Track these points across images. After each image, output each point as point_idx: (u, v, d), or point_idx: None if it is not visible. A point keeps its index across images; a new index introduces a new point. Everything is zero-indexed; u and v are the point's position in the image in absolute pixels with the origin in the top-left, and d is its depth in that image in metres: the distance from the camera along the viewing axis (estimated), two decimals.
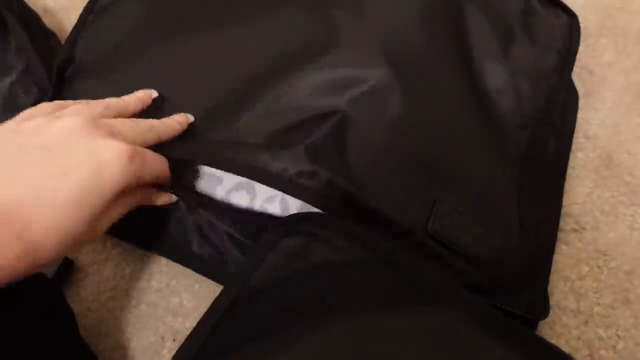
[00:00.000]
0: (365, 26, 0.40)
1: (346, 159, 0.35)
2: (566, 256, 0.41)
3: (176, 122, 0.37)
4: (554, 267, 0.41)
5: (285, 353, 0.28)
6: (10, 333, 0.33)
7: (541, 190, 0.42)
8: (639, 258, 0.41)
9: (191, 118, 0.38)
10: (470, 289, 0.33)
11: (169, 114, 0.38)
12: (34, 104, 0.45)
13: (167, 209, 0.42)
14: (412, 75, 0.38)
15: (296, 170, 0.33)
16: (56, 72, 0.42)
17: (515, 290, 0.35)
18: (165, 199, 0.37)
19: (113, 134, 0.32)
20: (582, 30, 0.50)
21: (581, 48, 0.50)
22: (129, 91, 0.41)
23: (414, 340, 0.28)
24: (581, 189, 0.44)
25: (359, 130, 0.36)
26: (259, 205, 0.35)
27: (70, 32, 0.45)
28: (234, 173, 0.34)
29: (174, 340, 0.40)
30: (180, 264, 0.43)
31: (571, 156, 0.46)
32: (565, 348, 0.38)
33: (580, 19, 0.49)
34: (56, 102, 0.35)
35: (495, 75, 0.42)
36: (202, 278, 0.43)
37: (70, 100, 0.36)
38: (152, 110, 0.39)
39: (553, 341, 0.38)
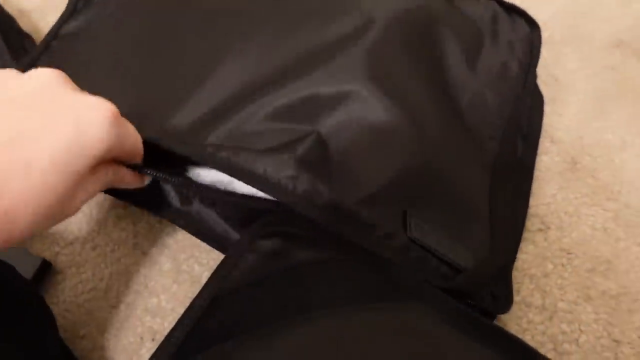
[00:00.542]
0: (344, 46, 0.41)
1: (328, 167, 0.36)
2: (532, 255, 0.43)
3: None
4: (521, 265, 0.43)
5: (263, 351, 0.29)
6: None
7: (510, 192, 0.44)
8: (600, 256, 0.43)
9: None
10: (452, 292, 0.35)
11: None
12: None
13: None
14: (388, 89, 0.40)
15: (282, 175, 0.34)
16: None
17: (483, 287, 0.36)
18: (137, 180, 0.34)
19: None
20: (548, 39, 0.52)
21: (547, 55, 0.52)
22: None
23: (384, 335, 0.29)
24: (547, 190, 0.46)
25: (339, 141, 0.37)
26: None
27: (29, 56, 0.45)
28: (217, 169, 0.34)
29: (153, 340, 0.41)
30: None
31: (537, 159, 0.48)
32: (531, 342, 0.40)
33: (547, 28, 0.52)
34: None
35: (465, 89, 0.44)
36: (180, 279, 0.43)
37: None
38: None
39: (520, 336, 0.40)
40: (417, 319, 0.31)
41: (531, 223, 0.45)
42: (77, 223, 0.46)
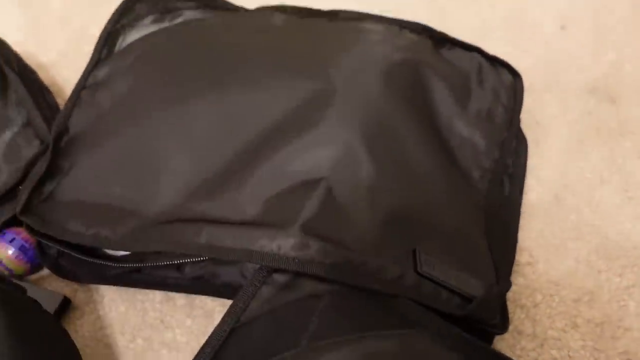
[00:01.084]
0: (341, 99, 0.44)
1: (334, 223, 0.39)
2: (522, 286, 0.46)
3: None
4: (512, 296, 0.46)
5: None
6: None
7: (501, 227, 0.47)
8: (584, 287, 0.46)
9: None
10: (463, 319, 0.38)
11: (164, 181, 0.43)
12: (36, 154, 0.49)
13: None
14: (383, 139, 0.43)
15: (290, 245, 0.36)
16: (52, 141, 0.46)
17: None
18: None
19: None
20: (529, 86, 0.57)
21: (529, 101, 0.57)
22: (120, 158, 0.45)
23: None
24: (534, 225, 0.50)
25: (341, 195, 0.40)
26: None
27: (64, 107, 0.49)
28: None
29: None
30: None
31: (524, 197, 0.52)
32: None
33: (528, 77, 0.56)
34: None
35: (456, 132, 0.48)
36: (194, 313, 0.46)
37: None
38: (146, 175, 0.44)
39: None
40: (421, 345, 0.34)
41: (520, 256, 0.48)
42: None
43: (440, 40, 0.53)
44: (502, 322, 0.40)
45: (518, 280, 0.47)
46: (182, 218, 0.41)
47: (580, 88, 0.59)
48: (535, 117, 0.57)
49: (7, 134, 0.51)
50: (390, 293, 0.37)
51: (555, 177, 0.53)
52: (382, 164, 0.42)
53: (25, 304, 0.40)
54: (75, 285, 0.48)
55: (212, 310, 0.46)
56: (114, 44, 0.54)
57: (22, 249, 0.46)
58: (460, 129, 0.48)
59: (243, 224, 0.39)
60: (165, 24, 0.56)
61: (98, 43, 0.53)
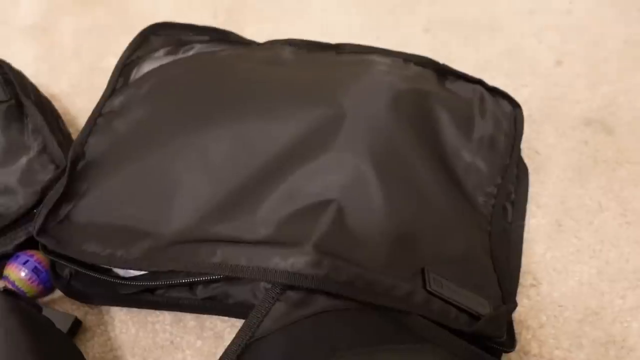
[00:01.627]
0: (351, 124, 0.46)
1: (345, 242, 0.40)
2: (527, 308, 0.47)
3: None
4: (517, 317, 0.47)
5: None
6: None
7: (506, 251, 0.49)
8: (588, 308, 0.47)
9: None
10: (471, 336, 0.39)
11: (179, 203, 0.44)
12: (51, 179, 0.50)
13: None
14: (391, 163, 0.45)
15: (303, 262, 0.37)
16: (69, 167, 0.47)
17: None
18: None
19: None
20: (528, 117, 0.59)
21: (528, 131, 0.59)
22: (136, 181, 0.46)
23: None
24: (536, 249, 0.51)
25: (352, 215, 0.41)
26: None
27: (80, 133, 0.51)
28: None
29: None
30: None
31: (526, 222, 0.53)
32: None
33: (527, 108, 0.59)
34: None
35: (461, 158, 0.50)
36: (204, 335, 0.46)
37: None
38: (161, 197, 0.45)
39: None
40: (431, 359, 0.35)
41: (524, 279, 0.49)
42: None
43: (443, 73, 0.56)
44: (509, 340, 0.41)
45: (523, 301, 0.48)
46: (197, 238, 0.42)
47: (577, 119, 0.62)
48: (535, 147, 0.59)
49: (23, 159, 0.52)
50: (401, 310, 0.38)
51: (555, 204, 0.55)
52: (391, 186, 0.43)
53: (43, 322, 0.40)
54: (86, 308, 0.49)
55: (222, 332, 0.47)
56: (129, 75, 0.57)
57: (35, 271, 0.47)
58: (465, 155, 0.50)
59: (257, 243, 0.40)
60: (179, 56, 0.58)
61: (114, 73, 0.56)
